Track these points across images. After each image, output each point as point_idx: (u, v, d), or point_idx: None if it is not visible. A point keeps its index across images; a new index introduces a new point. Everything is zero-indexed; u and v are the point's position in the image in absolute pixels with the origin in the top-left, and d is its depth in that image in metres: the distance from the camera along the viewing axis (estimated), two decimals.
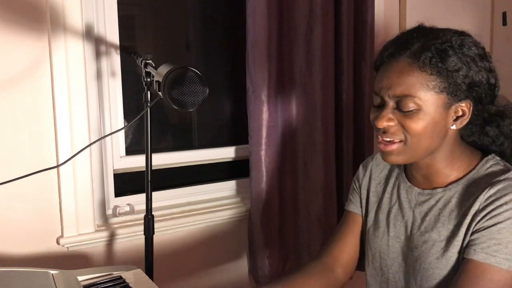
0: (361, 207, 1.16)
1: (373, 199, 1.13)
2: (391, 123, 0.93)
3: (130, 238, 1.55)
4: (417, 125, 0.90)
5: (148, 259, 1.29)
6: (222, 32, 1.93)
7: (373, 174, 1.15)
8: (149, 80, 1.22)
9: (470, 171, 0.97)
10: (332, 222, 1.79)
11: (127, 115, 1.62)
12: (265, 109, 1.65)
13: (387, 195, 1.09)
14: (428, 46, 0.90)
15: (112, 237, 1.52)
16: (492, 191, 0.89)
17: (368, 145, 1.92)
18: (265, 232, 1.70)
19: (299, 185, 1.78)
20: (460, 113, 0.92)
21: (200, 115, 1.85)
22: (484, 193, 0.90)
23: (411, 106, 0.90)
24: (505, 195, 0.88)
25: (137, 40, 1.75)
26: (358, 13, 1.85)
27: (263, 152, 1.67)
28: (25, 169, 1.19)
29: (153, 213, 1.29)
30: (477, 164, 0.97)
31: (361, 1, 1.84)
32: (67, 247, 1.45)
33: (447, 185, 0.98)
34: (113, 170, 1.60)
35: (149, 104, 1.21)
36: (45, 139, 1.39)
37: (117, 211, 1.57)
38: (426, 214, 0.99)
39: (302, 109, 1.73)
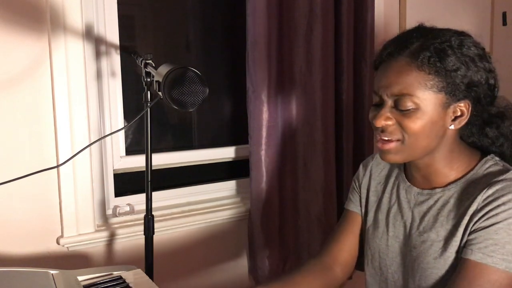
0: (361, 206, 1.16)
1: (372, 199, 1.13)
2: (389, 122, 0.93)
3: (130, 238, 1.55)
4: (415, 124, 0.90)
5: (148, 259, 1.29)
6: (222, 32, 1.93)
7: (373, 173, 1.15)
8: (149, 80, 1.22)
9: (469, 171, 0.97)
10: (332, 222, 1.79)
11: (127, 115, 1.62)
12: (265, 109, 1.65)
13: (386, 194, 1.09)
14: (427, 45, 0.90)
15: (112, 237, 1.52)
16: (490, 191, 0.89)
17: (368, 145, 1.92)
18: (265, 232, 1.70)
19: (299, 185, 1.78)
20: (459, 113, 0.92)
21: (200, 115, 1.85)
22: (482, 193, 0.90)
23: (409, 105, 0.90)
24: (503, 195, 0.88)
25: (137, 40, 1.75)
26: (358, 13, 1.85)
27: (263, 152, 1.67)
28: (25, 169, 1.19)
29: (153, 213, 1.29)
30: (476, 164, 0.97)
31: (361, 1, 1.84)
32: (67, 247, 1.45)
33: (446, 185, 0.98)
34: (113, 170, 1.60)
35: (149, 104, 1.22)
36: (45, 139, 1.39)
37: (117, 211, 1.57)
38: (425, 214, 0.99)
39: (302, 109, 1.73)
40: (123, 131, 1.62)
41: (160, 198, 1.67)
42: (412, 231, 1.00)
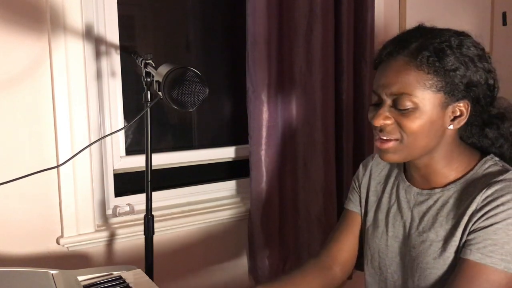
0: (361, 206, 1.16)
1: (372, 199, 1.13)
2: (388, 122, 0.93)
3: (130, 238, 1.55)
4: (414, 124, 0.91)
5: (148, 259, 1.29)
6: (222, 32, 1.93)
7: (373, 173, 1.15)
8: (149, 80, 1.22)
9: (469, 172, 0.97)
10: (332, 222, 1.79)
11: (127, 115, 1.62)
12: (265, 109, 1.65)
13: (386, 194, 1.09)
14: (426, 45, 0.90)
15: (112, 237, 1.52)
16: (490, 191, 0.89)
17: (368, 145, 1.92)
18: (265, 232, 1.70)
19: (299, 185, 1.78)
20: (458, 113, 0.92)
21: (200, 115, 1.85)
22: (481, 193, 0.90)
23: (408, 104, 0.90)
24: (502, 195, 0.88)
25: (137, 40, 1.75)
26: (358, 13, 1.85)
27: (263, 152, 1.67)
28: (25, 169, 1.19)
29: (153, 213, 1.29)
30: (476, 164, 0.97)
31: (361, 1, 1.84)
32: (67, 247, 1.45)
33: (445, 185, 0.98)
34: (113, 170, 1.60)
35: (149, 104, 1.22)
36: (45, 139, 1.39)
37: (117, 211, 1.57)
38: (424, 214, 0.99)
39: (302, 109, 1.73)
40: (123, 131, 1.62)
41: (160, 198, 1.67)
42: (412, 231, 1.00)
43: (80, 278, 1.07)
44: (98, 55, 1.51)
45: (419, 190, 1.02)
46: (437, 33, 0.92)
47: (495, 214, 0.87)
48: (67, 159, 1.08)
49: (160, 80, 1.06)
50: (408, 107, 0.90)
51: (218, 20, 1.90)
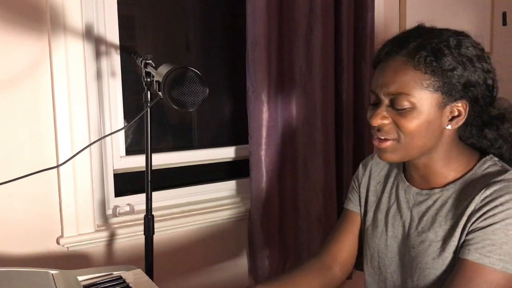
0: (360, 206, 1.16)
1: (372, 198, 1.13)
2: (385, 121, 0.93)
3: (130, 238, 1.55)
4: (411, 123, 0.91)
5: (148, 259, 1.30)
6: (222, 32, 1.93)
7: (372, 173, 1.15)
8: (149, 80, 1.22)
9: (468, 172, 0.97)
10: (332, 222, 1.79)
11: (127, 115, 1.62)
12: (265, 109, 1.65)
13: (386, 194, 1.09)
14: (424, 45, 0.90)
15: (112, 237, 1.52)
16: (488, 192, 0.89)
17: (368, 145, 1.92)
18: (265, 232, 1.70)
19: (299, 185, 1.78)
20: (456, 113, 0.92)
21: (200, 115, 1.85)
22: (480, 193, 0.90)
23: (405, 104, 0.90)
24: (501, 196, 0.88)
25: (137, 40, 1.75)
26: (358, 13, 1.85)
27: (263, 152, 1.67)
28: (25, 169, 1.19)
29: (153, 213, 1.29)
30: (475, 164, 0.97)
31: (361, 1, 1.84)
32: (67, 247, 1.45)
33: (444, 186, 0.98)
34: (113, 170, 1.60)
35: (149, 104, 1.22)
36: (45, 139, 1.40)
37: (117, 211, 1.57)
38: (423, 214, 0.99)
39: (302, 109, 1.73)
40: (123, 131, 1.62)
41: (160, 198, 1.67)
42: (411, 231, 1.00)
43: (80, 278, 1.07)
44: (98, 55, 1.51)
45: (418, 190, 1.02)
46: (436, 33, 0.92)
47: (494, 215, 0.87)
48: (67, 159, 1.08)
49: (160, 80, 1.06)
50: (406, 107, 0.90)
51: (218, 20, 1.91)
